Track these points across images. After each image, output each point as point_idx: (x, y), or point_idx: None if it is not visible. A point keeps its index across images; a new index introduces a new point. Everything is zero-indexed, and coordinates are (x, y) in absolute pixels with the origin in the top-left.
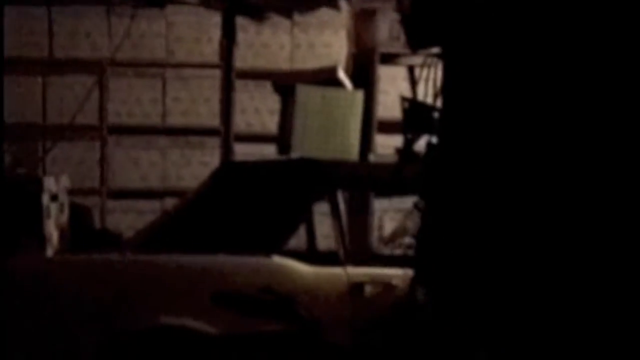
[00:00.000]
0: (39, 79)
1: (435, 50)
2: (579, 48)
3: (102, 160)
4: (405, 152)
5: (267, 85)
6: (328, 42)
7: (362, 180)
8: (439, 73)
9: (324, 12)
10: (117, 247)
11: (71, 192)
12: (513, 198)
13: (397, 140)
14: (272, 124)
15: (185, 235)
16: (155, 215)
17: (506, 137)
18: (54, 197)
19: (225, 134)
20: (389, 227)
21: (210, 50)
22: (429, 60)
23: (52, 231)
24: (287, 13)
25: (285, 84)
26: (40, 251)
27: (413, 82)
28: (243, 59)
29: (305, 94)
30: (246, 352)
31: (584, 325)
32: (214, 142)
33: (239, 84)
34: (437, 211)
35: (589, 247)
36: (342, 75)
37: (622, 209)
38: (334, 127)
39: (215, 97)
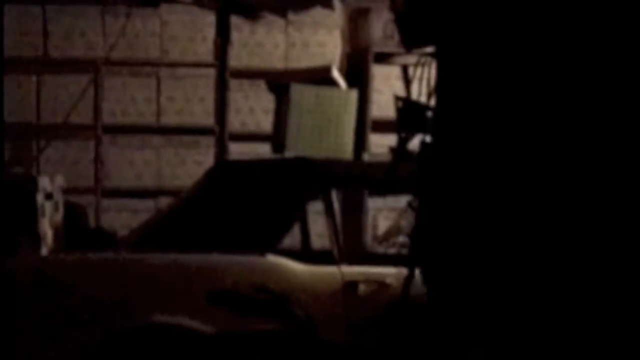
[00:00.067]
0: (34, 78)
1: (429, 49)
2: (572, 46)
3: (97, 159)
4: (399, 151)
5: (262, 85)
6: (322, 41)
7: (356, 179)
8: (433, 72)
9: (318, 11)
10: (111, 246)
11: (66, 191)
12: (507, 196)
13: (391, 139)
14: (266, 123)
15: (179, 234)
16: (149, 214)
17: (500, 136)
18: (48, 196)
19: (220, 133)
20: (383, 226)
21: (205, 49)
22: (423, 59)
23: (47, 230)
24: (282, 12)
25: (280, 83)
26: (35, 250)
27: (407, 81)
28: (237, 58)
29: (300, 93)
30: (241, 351)
31: (579, 323)
32: (209, 141)
33: (233, 83)
34: (431, 210)
35: (583, 244)
36: (336, 74)
37: (609, 199)
38: (328, 126)
39: (209, 96)
